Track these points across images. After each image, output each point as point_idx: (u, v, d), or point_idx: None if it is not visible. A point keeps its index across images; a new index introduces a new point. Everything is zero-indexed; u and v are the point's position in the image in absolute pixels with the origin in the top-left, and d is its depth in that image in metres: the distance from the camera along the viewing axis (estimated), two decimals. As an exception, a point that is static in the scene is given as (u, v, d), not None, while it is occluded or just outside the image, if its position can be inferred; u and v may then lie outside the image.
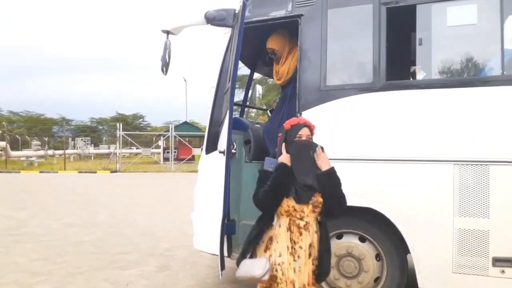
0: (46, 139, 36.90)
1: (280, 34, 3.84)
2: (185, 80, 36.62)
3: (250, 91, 5.14)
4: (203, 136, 3.88)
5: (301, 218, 2.31)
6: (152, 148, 30.19)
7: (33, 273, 4.45)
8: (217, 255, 3.32)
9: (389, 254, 3.11)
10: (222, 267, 3.31)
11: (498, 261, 2.74)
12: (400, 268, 3.10)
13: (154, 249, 5.51)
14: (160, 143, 30.12)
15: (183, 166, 24.39)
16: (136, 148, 32.83)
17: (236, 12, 3.40)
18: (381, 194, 3.01)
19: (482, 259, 2.77)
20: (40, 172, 22.16)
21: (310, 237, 2.33)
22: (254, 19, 3.50)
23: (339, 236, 3.27)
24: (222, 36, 3.78)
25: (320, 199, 2.33)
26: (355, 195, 3.08)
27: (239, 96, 8.86)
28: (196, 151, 24.87)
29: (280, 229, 2.35)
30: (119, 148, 24.09)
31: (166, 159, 27.33)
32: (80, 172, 21.98)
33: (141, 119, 52.98)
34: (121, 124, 24.65)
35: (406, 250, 3.04)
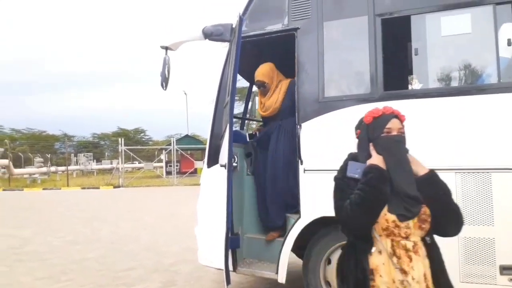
0: (49, 155, 37.10)
1: (268, 66, 3.90)
2: (185, 93, 36.80)
3: (250, 103, 5.17)
4: (205, 149, 3.88)
5: (407, 237, 1.74)
6: (154, 162, 30.22)
7: (37, 293, 4.43)
8: (222, 270, 3.30)
9: (394, 264, 3.09)
10: (228, 281, 3.29)
11: (505, 269, 2.72)
12: (406, 278, 3.07)
13: (159, 265, 5.49)
14: (162, 157, 30.14)
15: (186, 180, 24.37)
16: (139, 163, 32.85)
17: (233, 27, 3.45)
18: (384, 203, 3.00)
19: (489, 268, 2.75)
20: (43, 189, 22.17)
21: (422, 264, 1.74)
22: (251, 33, 3.54)
23: (344, 248, 3.25)
24: (220, 50, 3.81)
25: (428, 211, 1.76)
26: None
27: (239, 108, 8.88)
28: (198, 164, 24.87)
29: (381, 257, 1.75)
30: (122, 163, 24.13)
31: (168, 173, 27.34)
32: (83, 188, 21.98)
33: (142, 134, 53.16)
34: (123, 139, 24.73)
35: (411, 260, 3.01)
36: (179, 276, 4.94)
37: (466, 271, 2.79)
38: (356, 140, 2.07)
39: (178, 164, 27.49)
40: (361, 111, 3.10)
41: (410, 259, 1.72)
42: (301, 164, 3.27)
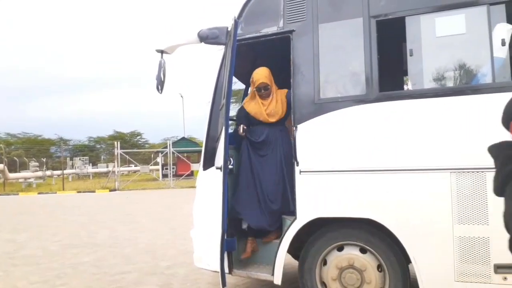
0: (44, 160, 36.88)
1: (267, 69, 3.82)
2: (181, 96, 36.84)
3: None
4: (201, 152, 3.88)
5: None
6: (151, 165, 30.13)
7: (33, 297, 4.40)
8: (218, 272, 3.30)
9: (390, 264, 3.10)
10: (224, 284, 3.29)
11: (500, 268, 2.73)
12: (402, 278, 3.08)
13: (155, 268, 5.47)
14: (159, 159, 30.09)
15: (182, 182, 24.32)
16: (135, 166, 32.78)
17: (229, 30, 3.46)
18: (380, 204, 3.02)
19: (484, 267, 2.76)
20: (39, 193, 22.03)
21: None
22: (247, 36, 3.55)
23: (340, 248, 3.26)
24: (216, 53, 3.81)
25: None
26: (354, 206, 3.09)
27: (234, 110, 8.88)
28: (194, 167, 24.82)
29: None
30: (118, 166, 24.05)
31: (165, 176, 27.27)
32: (79, 191, 21.86)
33: (138, 137, 53.00)
34: (118, 142, 24.62)
35: (408, 260, 3.03)
36: (176, 279, 4.93)
37: (460, 270, 2.81)
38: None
39: (175, 166, 27.43)
40: (358, 112, 3.14)
41: None
42: (297, 165, 3.28)
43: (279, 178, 3.72)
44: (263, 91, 3.75)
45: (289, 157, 3.58)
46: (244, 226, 3.77)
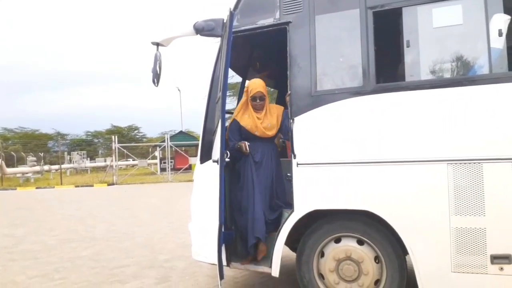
0: (42, 154, 36.79)
1: (262, 80, 3.79)
2: (179, 90, 36.74)
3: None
4: (199, 145, 3.87)
5: None
6: (149, 159, 30.11)
7: (31, 291, 4.41)
8: (216, 265, 3.31)
9: (388, 256, 3.11)
10: (221, 276, 3.30)
11: (496, 259, 2.74)
12: (399, 269, 3.10)
13: (153, 261, 5.48)
14: (156, 153, 30.06)
15: (180, 176, 24.33)
16: (133, 160, 32.73)
17: (225, 21, 3.43)
18: (377, 196, 3.02)
19: (480, 257, 2.78)
20: (37, 188, 22.01)
21: None
22: (243, 28, 3.52)
23: (337, 240, 3.28)
24: (212, 45, 3.79)
25: None
26: (351, 198, 3.10)
27: (232, 103, 8.87)
28: (192, 160, 24.84)
29: None
30: (115, 160, 24.01)
31: (163, 170, 27.27)
32: (77, 186, 21.85)
33: (136, 131, 52.91)
34: (116, 137, 24.56)
35: (405, 252, 3.04)
36: (174, 272, 4.94)
37: (457, 261, 2.82)
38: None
39: (173, 160, 27.42)
40: (354, 104, 3.13)
41: None
42: (294, 158, 3.28)
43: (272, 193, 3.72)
44: (258, 101, 3.66)
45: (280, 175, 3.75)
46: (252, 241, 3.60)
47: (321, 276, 3.34)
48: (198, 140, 3.93)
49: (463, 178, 2.80)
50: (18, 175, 27.51)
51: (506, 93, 2.72)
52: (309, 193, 3.23)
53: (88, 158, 41.73)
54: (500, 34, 2.76)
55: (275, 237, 3.40)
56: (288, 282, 4.16)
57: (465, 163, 2.79)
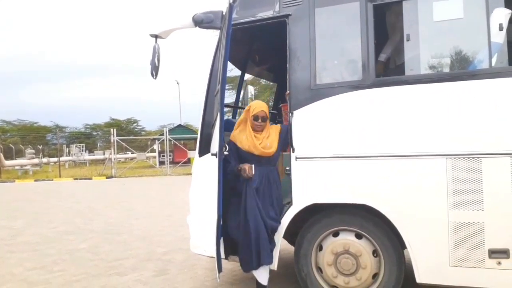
0: (40, 147, 36.73)
1: (264, 102, 3.63)
2: (177, 83, 36.64)
3: (242, 92, 5.14)
4: (197, 139, 3.85)
5: None
6: (147, 152, 30.09)
7: (29, 283, 4.42)
8: (215, 258, 3.31)
9: (386, 250, 3.12)
10: (220, 269, 3.31)
11: (494, 253, 2.76)
12: (397, 263, 3.11)
13: (152, 254, 5.49)
14: (155, 147, 30.03)
15: (179, 169, 24.33)
16: (131, 153, 32.70)
17: (224, 14, 3.40)
18: (376, 190, 3.02)
19: (478, 252, 2.79)
20: (35, 180, 22.00)
21: None
22: (242, 20, 3.50)
23: (335, 234, 3.28)
24: (212, 38, 3.76)
25: None
26: (349, 192, 3.10)
27: (231, 97, 8.85)
28: (191, 154, 24.82)
29: None
30: (114, 153, 24.00)
31: (161, 163, 27.28)
32: (75, 179, 21.85)
33: (135, 124, 52.86)
34: (115, 130, 24.52)
35: (403, 245, 3.05)
36: (172, 264, 4.95)
37: (455, 255, 2.83)
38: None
39: (171, 154, 27.42)
40: (354, 98, 3.12)
41: None
42: (293, 152, 3.27)
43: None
44: (260, 121, 3.42)
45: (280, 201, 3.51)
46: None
47: (319, 270, 3.35)
48: (197, 134, 3.91)
49: (461, 173, 2.80)
50: (16, 167, 27.49)
51: (506, 87, 2.71)
52: (308, 187, 3.23)
53: (87, 151, 41.69)
54: (501, 29, 2.75)
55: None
56: (286, 276, 4.17)
57: (464, 158, 2.79)
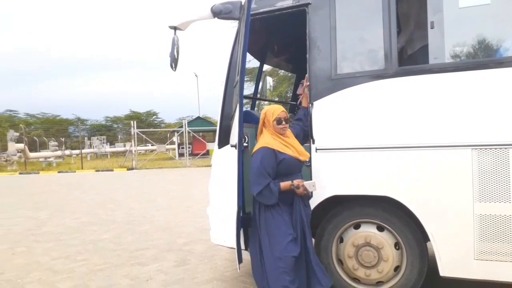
0: (63, 139, 37.63)
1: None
2: (196, 75, 36.72)
3: (261, 83, 5.11)
4: (216, 131, 3.85)
5: None
6: (167, 144, 30.42)
7: (55, 272, 4.53)
8: (234, 248, 3.33)
9: (408, 242, 3.07)
10: (240, 260, 3.32)
11: (520, 246, 2.68)
12: (420, 256, 3.05)
13: (172, 245, 5.56)
14: (175, 139, 30.31)
15: (198, 161, 24.54)
16: (151, 145, 33.11)
17: (243, 4, 3.37)
18: (398, 182, 2.97)
19: (504, 245, 2.71)
20: (59, 172, 22.55)
21: None
22: (261, 10, 3.46)
23: (357, 226, 3.24)
24: (230, 29, 3.73)
25: None
26: (371, 184, 3.05)
27: (250, 89, 8.83)
28: (210, 146, 24.99)
29: None
30: (135, 145, 24.35)
31: (181, 155, 27.57)
32: (97, 170, 22.29)
33: (154, 116, 53.40)
34: (135, 122, 24.86)
35: (426, 238, 2.99)
36: (192, 255, 5.00)
37: (480, 248, 2.76)
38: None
39: (190, 146, 27.64)
40: (375, 88, 3.06)
41: None
42: (313, 143, 3.23)
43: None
44: (283, 123, 3.07)
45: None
46: None
47: (340, 262, 3.32)
48: (215, 126, 3.91)
49: (488, 164, 2.72)
50: (40, 159, 28.23)
51: None
52: (328, 179, 3.19)
53: (108, 143, 42.39)
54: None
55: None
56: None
57: (490, 149, 2.71)
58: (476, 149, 2.74)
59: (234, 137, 3.38)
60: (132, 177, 17.56)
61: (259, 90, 5.11)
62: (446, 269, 2.87)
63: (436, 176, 2.85)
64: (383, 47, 3.01)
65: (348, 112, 3.12)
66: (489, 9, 2.86)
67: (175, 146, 29.94)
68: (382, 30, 3.00)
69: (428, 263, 3.09)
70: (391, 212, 3.10)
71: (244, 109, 3.80)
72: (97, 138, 39.59)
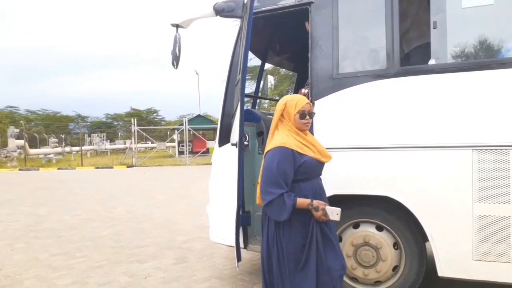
0: (63, 136, 37.61)
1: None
2: (197, 73, 36.73)
3: (262, 82, 5.11)
4: (216, 129, 3.85)
5: None
6: (167, 142, 30.42)
7: (53, 268, 4.54)
8: (233, 247, 3.33)
9: (407, 242, 3.07)
10: (239, 258, 3.32)
11: (519, 248, 2.68)
12: (418, 256, 3.06)
13: (171, 242, 5.56)
14: (175, 137, 30.32)
15: (198, 159, 24.55)
16: (151, 143, 33.13)
17: (245, 2, 3.37)
18: (398, 182, 2.96)
19: (504, 246, 2.71)
20: (58, 168, 22.55)
21: None
22: (263, 8, 3.45)
23: (356, 226, 3.24)
24: (232, 27, 3.73)
25: None
26: (371, 183, 3.05)
27: (251, 87, 8.81)
28: (210, 144, 24.98)
29: None
30: (135, 143, 24.35)
31: (181, 153, 27.57)
32: (97, 167, 22.29)
33: (155, 114, 53.46)
34: (135, 120, 24.87)
35: (425, 238, 2.99)
36: (192, 253, 5.01)
37: (479, 249, 2.76)
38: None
39: (190, 144, 27.66)
40: (377, 87, 3.05)
41: None
42: (314, 142, 3.22)
43: None
44: (307, 118, 2.52)
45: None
46: None
47: (339, 261, 3.32)
48: (216, 124, 3.91)
49: (488, 165, 2.72)
50: (40, 156, 28.24)
51: None
52: (329, 178, 3.18)
53: (108, 140, 42.37)
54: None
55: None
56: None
57: (491, 149, 2.70)
58: (476, 149, 2.74)
59: (234, 136, 3.38)
60: (132, 174, 17.56)
61: (260, 89, 5.11)
62: (444, 270, 2.88)
63: (436, 176, 2.85)
64: (385, 47, 3.00)
65: (349, 112, 3.12)
66: (492, 10, 2.85)
67: (175, 144, 29.94)
68: (384, 29, 2.99)
69: (427, 263, 3.09)
70: (390, 212, 3.10)
71: (245, 107, 3.80)
72: (97, 135, 39.57)
